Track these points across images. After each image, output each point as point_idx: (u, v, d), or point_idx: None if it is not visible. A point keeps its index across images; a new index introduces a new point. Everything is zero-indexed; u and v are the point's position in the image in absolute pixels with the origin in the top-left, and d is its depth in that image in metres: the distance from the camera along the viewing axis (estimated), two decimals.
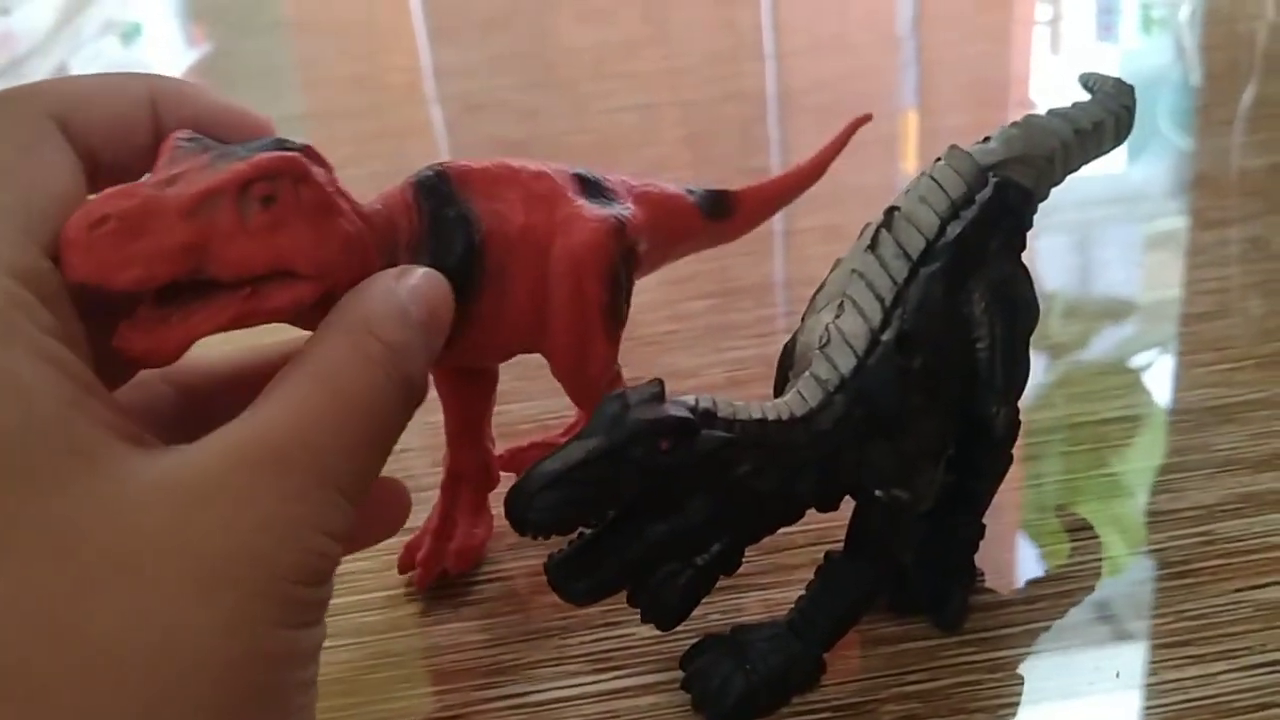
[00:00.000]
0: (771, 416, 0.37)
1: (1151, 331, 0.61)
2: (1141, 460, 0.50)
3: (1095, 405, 0.53)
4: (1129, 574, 0.43)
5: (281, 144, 0.32)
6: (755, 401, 0.37)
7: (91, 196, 0.30)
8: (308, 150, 0.32)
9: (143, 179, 0.30)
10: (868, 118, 0.51)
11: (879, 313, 0.38)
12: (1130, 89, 0.48)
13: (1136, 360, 0.58)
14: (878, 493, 0.38)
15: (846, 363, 0.38)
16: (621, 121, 0.95)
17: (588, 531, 0.35)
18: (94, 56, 1.34)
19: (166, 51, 1.40)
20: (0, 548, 0.25)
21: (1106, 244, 0.72)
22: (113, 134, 0.31)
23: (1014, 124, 0.44)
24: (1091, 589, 0.43)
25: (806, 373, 0.38)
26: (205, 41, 1.39)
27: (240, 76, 1.20)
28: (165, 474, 0.27)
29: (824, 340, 0.38)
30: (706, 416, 0.35)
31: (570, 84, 1.08)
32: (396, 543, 0.47)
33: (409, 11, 1.43)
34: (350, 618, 0.44)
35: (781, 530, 0.38)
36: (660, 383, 0.35)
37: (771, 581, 0.44)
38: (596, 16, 1.29)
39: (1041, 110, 0.45)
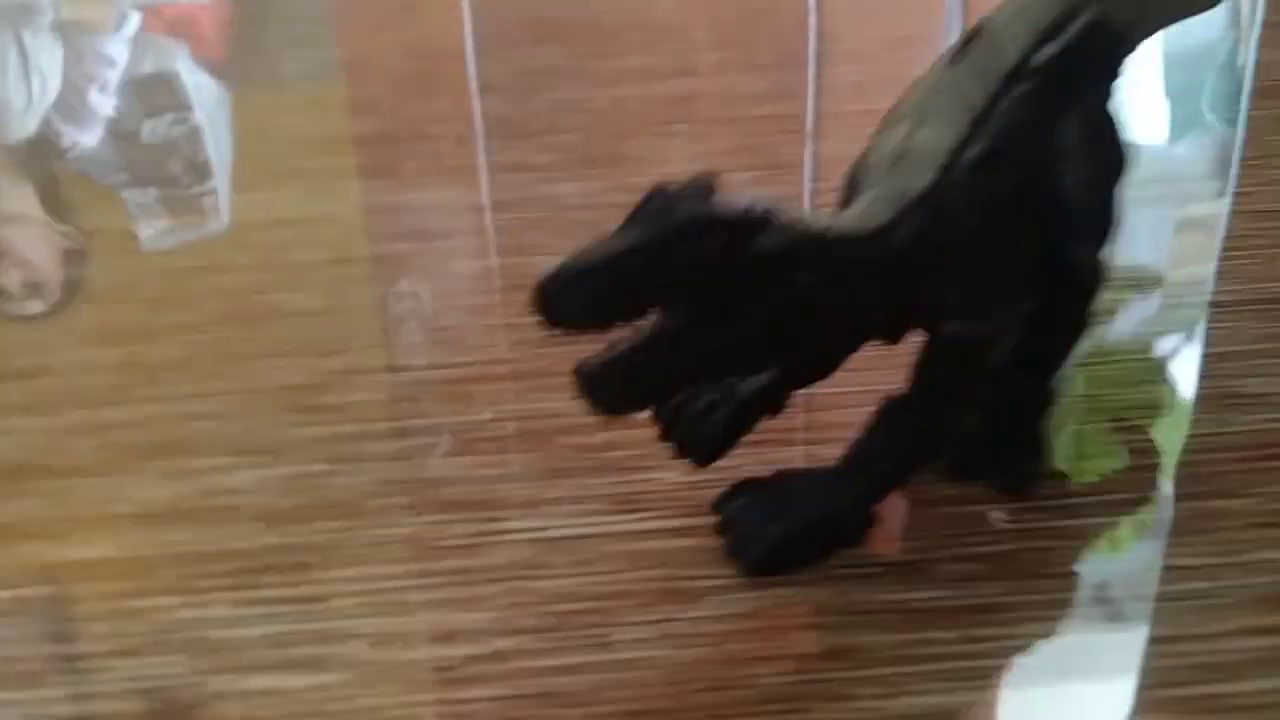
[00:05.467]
0: (838, 228, 0.32)
1: None
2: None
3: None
4: (1192, 468, 0.39)
5: None
6: (821, 211, 0.33)
7: None
8: None
9: None
10: None
11: (963, 128, 0.34)
12: None
13: None
14: (954, 324, 0.34)
15: (922, 180, 0.34)
16: None
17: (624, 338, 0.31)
18: None
19: None
20: None
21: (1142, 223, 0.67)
22: None
23: None
24: (1166, 471, 0.39)
25: (875, 188, 0.34)
26: None
27: None
28: None
29: (897, 156, 0.34)
30: (766, 217, 0.31)
31: None
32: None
33: None
34: (351, 445, 0.41)
35: (828, 387, 0.34)
36: (713, 175, 0.31)
37: (816, 437, 0.40)
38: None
39: None
